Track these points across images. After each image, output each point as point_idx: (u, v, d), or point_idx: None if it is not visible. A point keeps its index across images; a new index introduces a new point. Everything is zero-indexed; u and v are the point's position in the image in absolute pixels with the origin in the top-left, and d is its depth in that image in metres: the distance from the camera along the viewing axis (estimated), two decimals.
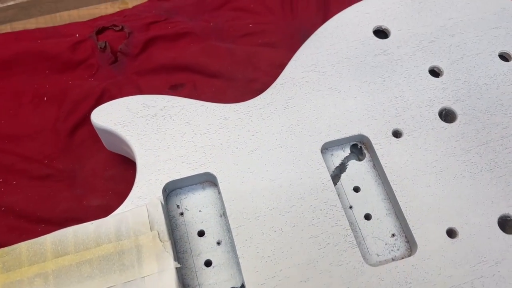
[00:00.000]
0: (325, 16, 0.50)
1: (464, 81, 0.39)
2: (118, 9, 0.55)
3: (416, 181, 0.34)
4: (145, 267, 0.29)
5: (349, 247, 0.32)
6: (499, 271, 0.31)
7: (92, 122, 0.36)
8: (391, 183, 0.34)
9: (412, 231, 0.32)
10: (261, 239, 0.31)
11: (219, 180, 0.34)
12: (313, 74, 0.39)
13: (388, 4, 0.43)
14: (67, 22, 0.53)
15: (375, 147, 0.36)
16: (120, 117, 0.36)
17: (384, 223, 0.34)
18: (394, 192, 0.34)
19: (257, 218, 0.32)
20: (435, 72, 0.40)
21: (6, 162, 0.41)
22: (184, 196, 0.35)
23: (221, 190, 0.34)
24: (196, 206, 0.35)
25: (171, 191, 0.35)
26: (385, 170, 0.35)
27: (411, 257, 0.32)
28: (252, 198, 0.33)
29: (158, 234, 0.30)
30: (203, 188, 0.36)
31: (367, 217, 0.35)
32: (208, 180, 0.36)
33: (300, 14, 0.51)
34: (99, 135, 0.38)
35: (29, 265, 0.30)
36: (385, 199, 0.35)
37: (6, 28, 0.54)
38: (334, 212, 0.33)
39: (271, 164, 0.34)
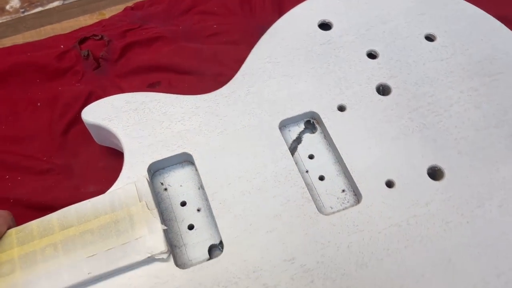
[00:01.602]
0: (280, 14, 0.57)
1: (397, 60, 0.46)
2: (96, 20, 0.61)
3: (359, 146, 0.41)
4: (137, 231, 0.36)
5: (305, 202, 0.38)
6: (429, 210, 0.38)
7: (83, 119, 0.43)
8: (338, 149, 0.41)
9: (358, 186, 0.39)
10: (232, 201, 0.38)
11: (194, 158, 0.40)
12: (268, 64, 0.46)
13: (330, 1, 0.50)
14: (51, 35, 0.60)
15: (324, 120, 0.43)
16: (107, 113, 0.43)
17: (335, 181, 0.41)
18: (341, 156, 0.41)
19: (228, 185, 0.39)
20: (372, 55, 0.47)
21: (10, 161, 0.47)
22: (167, 175, 0.42)
23: (197, 166, 0.40)
24: (178, 182, 0.41)
25: (155, 171, 0.42)
26: (333, 139, 0.42)
27: (357, 205, 0.39)
28: (223, 170, 0.40)
29: (146, 204, 0.37)
30: (182, 166, 0.42)
31: (321, 178, 0.42)
32: (186, 160, 0.42)
33: (258, 14, 0.57)
34: (90, 131, 0.44)
35: (40, 238, 0.35)
36: (335, 163, 0.42)
37: None
38: (292, 175, 0.40)
39: (238, 141, 0.41)
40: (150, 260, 0.35)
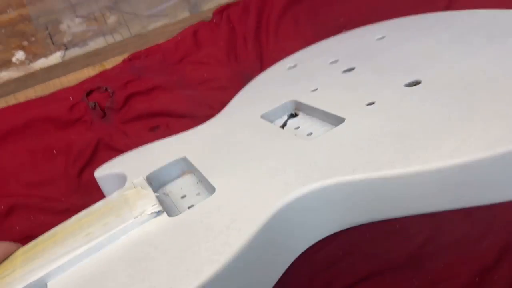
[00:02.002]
0: (261, 62, 0.65)
1: None
2: (98, 71, 0.69)
3: None
4: (134, 207, 0.35)
5: None
6: None
7: (96, 177, 0.48)
8: None
9: None
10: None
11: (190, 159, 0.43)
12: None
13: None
14: (59, 87, 0.67)
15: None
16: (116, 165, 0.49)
17: None
18: None
19: None
20: None
21: (33, 204, 0.55)
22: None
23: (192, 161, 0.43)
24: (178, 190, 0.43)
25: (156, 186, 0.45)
26: None
27: None
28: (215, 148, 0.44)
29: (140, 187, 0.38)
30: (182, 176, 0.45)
31: None
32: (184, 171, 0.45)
33: (242, 62, 0.66)
34: (101, 187, 0.50)
35: (42, 243, 0.36)
36: None
37: (11, 99, 0.67)
38: None
39: None
40: (145, 219, 0.35)
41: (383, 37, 0.54)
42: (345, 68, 0.51)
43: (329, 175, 0.33)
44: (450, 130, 0.32)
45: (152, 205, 0.35)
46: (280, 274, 0.34)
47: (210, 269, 0.28)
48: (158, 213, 0.35)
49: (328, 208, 0.34)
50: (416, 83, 0.41)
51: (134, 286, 0.29)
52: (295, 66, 0.56)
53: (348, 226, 0.35)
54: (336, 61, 0.53)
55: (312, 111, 0.47)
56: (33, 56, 0.90)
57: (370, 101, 0.41)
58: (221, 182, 0.38)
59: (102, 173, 0.48)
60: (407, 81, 0.42)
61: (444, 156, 0.30)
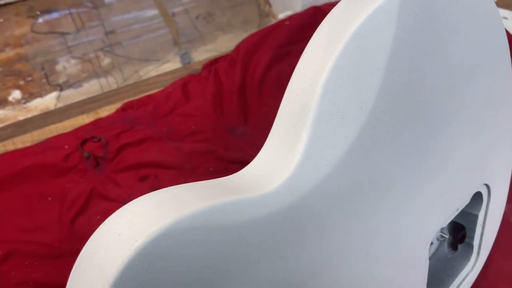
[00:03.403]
0: (245, 115, 0.70)
1: None
2: (93, 118, 0.74)
3: None
4: None
5: None
6: None
7: None
8: None
9: None
10: None
11: None
12: None
13: None
14: (55, 133, 0.72)
15: None
16: None
17: None
18: None
19: None
20: None
21: (28, 249, 0.59)
22: None
23: None
24: None
25: None
26: None
27: None
28: None
29: None
30: None
31: None
32: None
33: (227, 116, 0.71)
34: None
35: None
36: None
37: (9, 143, 0.71)
38: None
39: None
40: None
41: None
42: None
43: None
44: None
45: None
46: None
47: None
48: None
49: None
50: None
51: None
52: None
53: None
54: None
55: None
56: (29, 95, 0.94)
57: None
58: None
59: None
60: None
61: None
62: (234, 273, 0.24)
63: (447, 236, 0.47)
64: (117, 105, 0.75)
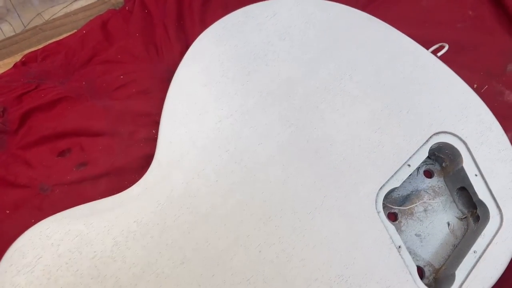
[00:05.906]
0: None
1: None
2: None
3: None
4: None
5: None
6: None
7: None
8: None
9: None
10: None
11: None
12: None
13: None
14: None
15: None
16: None
17: None
18: None
19: None
20: None
21: None
22: None
23: None
24: None
25: None
26: None
27: None
28: None
29: None
30: None
31: None
32: None
33: (166, 57, 0.54)
34: None
35: None
36: None
37: None
38: None
39: None
40: None
41: None
42: None
43: None
44: None
45: None
46: None
47: None
48: None
49: None
50: None
51: None
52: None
53: None
54: None
55: None
56: None
57: None
58: None
59: None
60: None
61: None
62: None
63: (467, 215, 0.46)
64: (15, 58, 0.56)
